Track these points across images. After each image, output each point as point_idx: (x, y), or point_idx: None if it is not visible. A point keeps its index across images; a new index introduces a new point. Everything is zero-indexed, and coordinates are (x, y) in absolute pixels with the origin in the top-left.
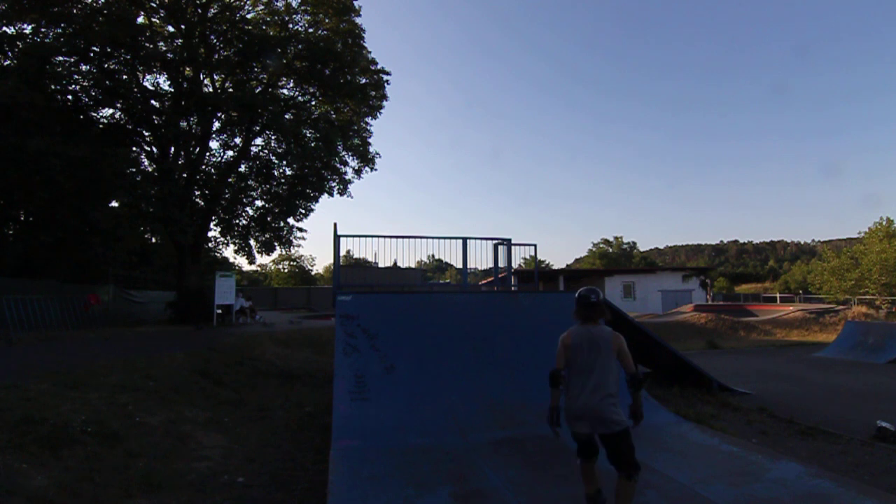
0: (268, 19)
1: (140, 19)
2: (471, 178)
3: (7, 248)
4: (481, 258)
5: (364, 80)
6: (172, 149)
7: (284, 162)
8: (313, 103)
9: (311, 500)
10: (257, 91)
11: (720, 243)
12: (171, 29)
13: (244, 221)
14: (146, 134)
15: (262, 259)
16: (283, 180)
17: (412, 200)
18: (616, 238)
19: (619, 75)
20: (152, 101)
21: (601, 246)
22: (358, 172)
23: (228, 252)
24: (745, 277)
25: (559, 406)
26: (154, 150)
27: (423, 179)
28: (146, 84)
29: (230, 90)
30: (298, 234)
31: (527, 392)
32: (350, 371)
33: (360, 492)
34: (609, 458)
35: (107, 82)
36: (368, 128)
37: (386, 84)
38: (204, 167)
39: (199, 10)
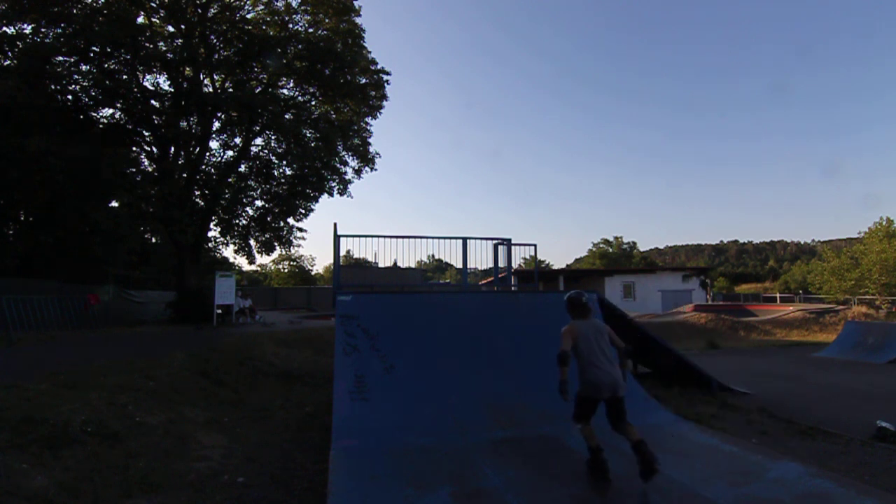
0: (268, 19)
1: (140, 19)
2: (471, 178)
3: (7, 248)
4: (481, 258)
5: (364, 80)
6: (172, 149)
7: (284, 162)
8: (313, 103)
9: (311, 500)
10: (257, 91)
11: (720, 243)
12: (171, 29)
13: (244, 221)
14: (146, 134)
15: (262, 259)
16: (283, 180)
17: (412, 200)
18: (616, 238)
19: (619, 75)
20: (152, 101)
21: (601, 246)
22: (358, 172)
23: (228, 252)
24: (745, 277)
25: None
26: (154, 150)
27: (423, 179)
28: (146, 84)
29: (230, 90)
30: (298, 234)
31: (527, 392)
32: (350, 371)
33: (360, 492)
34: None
35: (107, 82)
36: (368, 128)
37: (386, 84)
38: (204, 167)
39: (199, 10)
